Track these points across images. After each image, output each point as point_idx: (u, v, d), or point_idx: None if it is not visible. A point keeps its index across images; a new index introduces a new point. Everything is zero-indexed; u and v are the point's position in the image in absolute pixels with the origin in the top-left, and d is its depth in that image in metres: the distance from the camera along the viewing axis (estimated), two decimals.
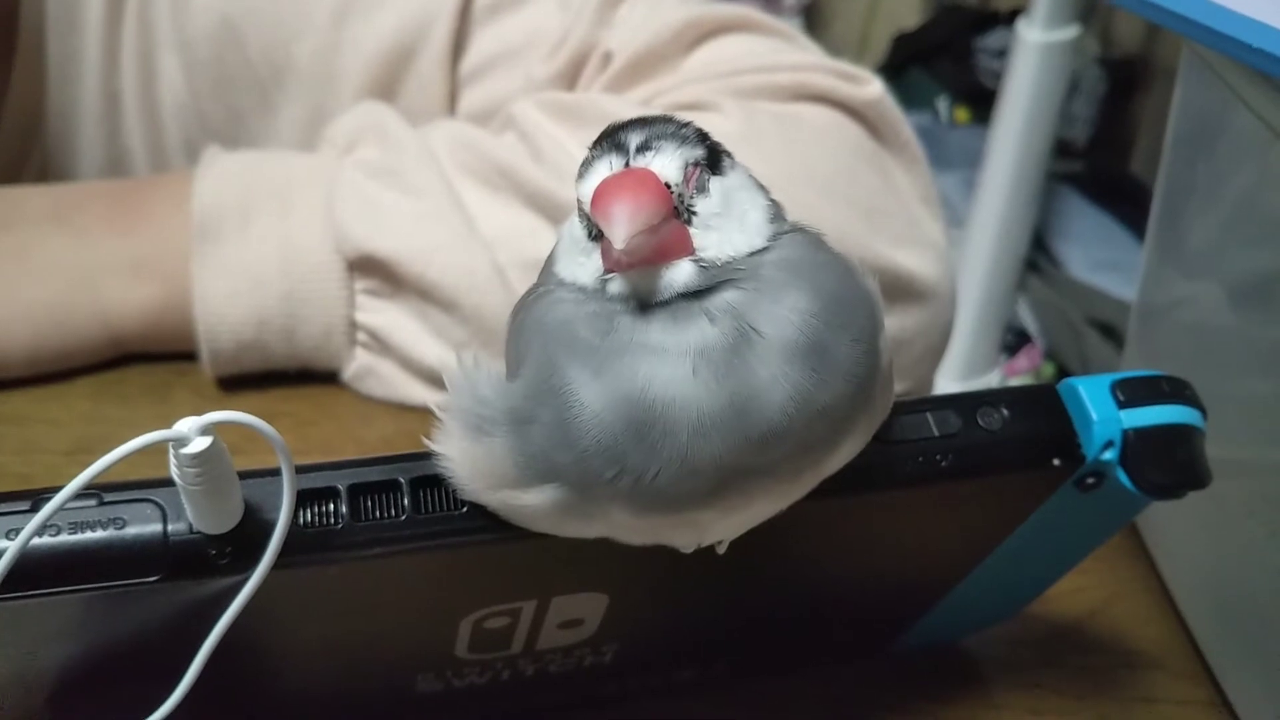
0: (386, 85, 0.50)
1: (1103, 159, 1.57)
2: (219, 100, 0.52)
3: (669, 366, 0.22)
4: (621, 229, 0.22)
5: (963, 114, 1.60)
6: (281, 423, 0.22)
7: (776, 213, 0.26)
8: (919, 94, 1.58)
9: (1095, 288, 1.30)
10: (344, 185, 0.45)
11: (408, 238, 0.44)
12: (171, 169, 0.54)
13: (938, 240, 0.48)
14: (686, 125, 0.25)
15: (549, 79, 0.50)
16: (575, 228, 0.26)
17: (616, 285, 0.23)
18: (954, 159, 1.43)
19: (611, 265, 0.23)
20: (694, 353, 0.22)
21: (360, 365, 0.46)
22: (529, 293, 0.27)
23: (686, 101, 0.47)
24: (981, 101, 1.49)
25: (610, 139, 0.24)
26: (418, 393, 0.46)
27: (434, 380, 0.45)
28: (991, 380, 1.24)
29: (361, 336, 0.46)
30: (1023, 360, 1.32)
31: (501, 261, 0.44)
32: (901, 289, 0.46)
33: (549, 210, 0.44)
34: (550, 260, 0.27)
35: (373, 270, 0.45)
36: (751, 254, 0.25)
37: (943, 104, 1.60)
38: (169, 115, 0.53)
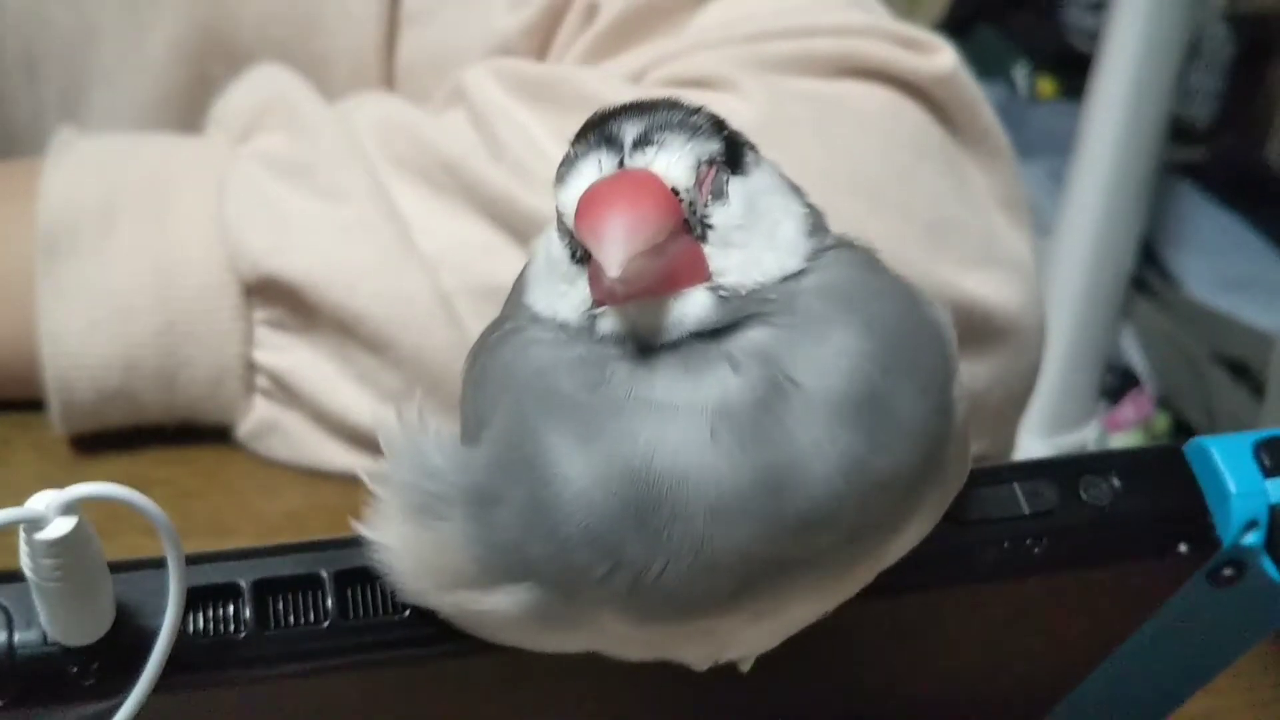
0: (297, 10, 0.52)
1: (1231, 145, 1.58)
2: (70, 4, 0.52)
3: (680, 429, 0.23)
4: (616, 249, 0.22)
5: (1047, 86, 1.62)
6: (156, 493, 0.22)
7: (816, 223, 0.27)
8: (989, 60, 1.60)
9: (1223, 313, 1.30)
10: (239, 184, 0.46)
11: (324, 255, 0.45)
12: (8, 96, 0.55)
13: (1022, 258, 0.49)
14: (698, 112, 0.26)
15: (516, 33, 0.51)
16: (554, 246, 0.26)
17: (609, 322, 0.24)
18: (1035, 145, 1.45)
19: (603, 296, 0.24)
20: (712, 410, 0.23)
21: (261, 419, 0.47)
22: (491, 330, 0.28)
23: (692, 76, 0.47)
24: (1071, 69, 1.51)
25: (599, 131, 0.25)
26: (337, 456, 0.46)
27: (360, 441, 0.46)
28: (1088, 436, 1.25)
29: (262, 382, 0.47)
30: (1129, 410, 1.33)
31: (448, 287, 0.44)
32: (976, 324, 0.47)
33: (510, 220, 0.45)
34: (519, 288, 0.28)
35: (277, 296, 0.45)
36: (785, 279, 0.25)
37: (1020, 73, 1.63)
38: (7, 24, 0.53)
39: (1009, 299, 0.48)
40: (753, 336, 0.24)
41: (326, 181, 0.46)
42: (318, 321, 0.46)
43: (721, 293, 0.24)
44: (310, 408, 0.47)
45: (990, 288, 0.47)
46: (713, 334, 0.24)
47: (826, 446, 0.23)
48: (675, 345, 0.24)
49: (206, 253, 0.45)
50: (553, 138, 0.45)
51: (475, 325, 0.42)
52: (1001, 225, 0.49)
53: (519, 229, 0.44)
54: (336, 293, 0.45)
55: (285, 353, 0.46)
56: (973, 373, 0.47)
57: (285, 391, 0.47)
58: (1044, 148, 1.44)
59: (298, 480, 0.47)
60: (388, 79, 0.54)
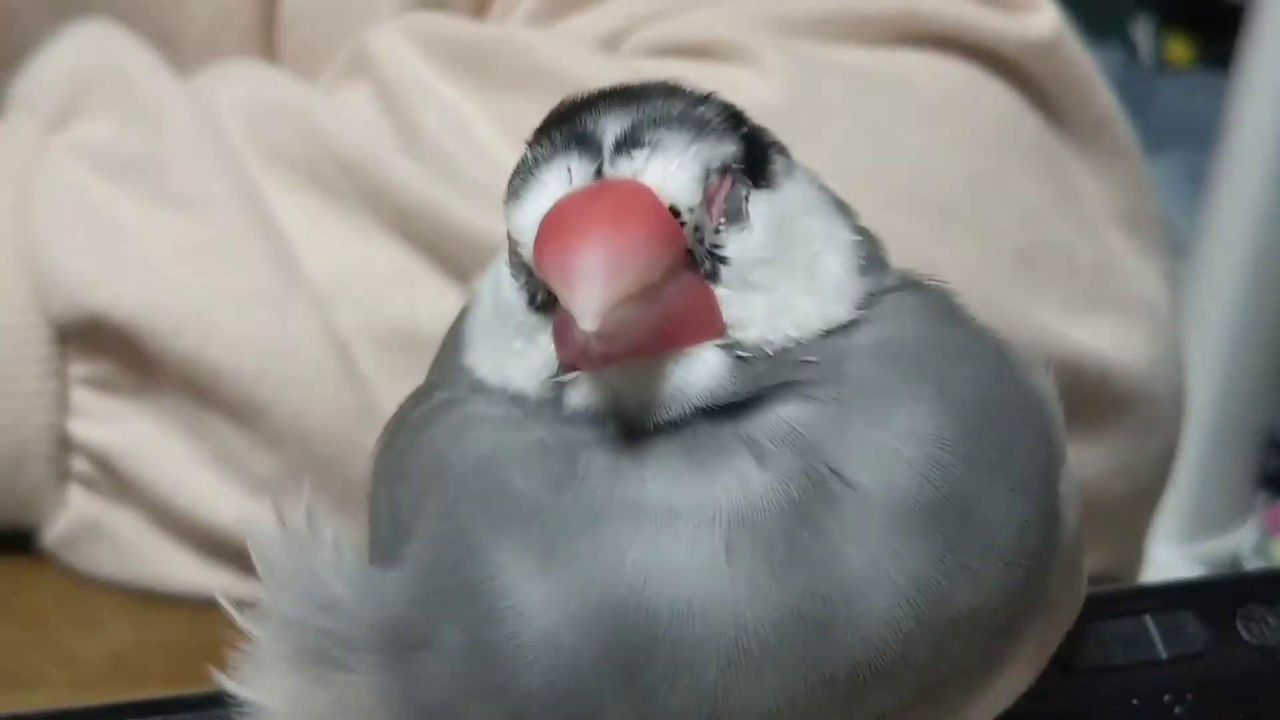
0: None
1: None
2: None
3: (682, 545, 0.23)
4: (592, 293, 0.22)
5: (1179, 49, 1.63)
6: None
7: (872, 255, 0.27)
8: (1100, 16, 1.62)
9: None
10: (51, 187, 0.46)
11: (169, 286, 0.45)
12: None
13: (1151, 297, 0.50)
14: (706, 100, 0.26)
15: None
16: (503, 287, 0.27)
17: (583, 394, 0.24)
18: (1163, 132, 1.45)
19: (574, 358, 0.24)
20: (728, 519, 0.23)
21: (78, 519, 0.47)
22: (414, 401, 0.28)
23: (690, 41, 0.48)
24: (1212, 27, 1.53)
25: (568, 126, 0.26)
26: (187, 572, 0.46)
27: (220, 550, 0.46)
28: (1243, 543, 1.25)
29: (80, 466, 0.46)
30: None
31: (345, 331, 0.45)
32: (1088, 391, 0.47)
33: (433, 240, 0.45)
34: (454, 343, 0.28)
35: (104, 344, 0.45)
36: (829, 333, 0.26)
37: (1142, 32, 1.64)
38: None
39: (1133, 355, 0.48)
40: (784, 415, 0.24)
41: (175, 185, 0.46)
42: (160, 380, 0.46)
43: (740, 353, 0.25)
44: (149, 502, 0.46)
45: (1107, 339, 0.48)
46: (728, 411, 0.25)
47: (888, 569, 0.23)
48: (675, 427, 0.24)
49: (3, 283, 0.45)
50: (494, 127, 0.45)
51: (386, 387, 0.43)
52: (1122, 251, 0.49)
53: (447, 253, 0.45)
54: (187, 339, 0.45)
55: (114, 424, 0.46)
56: (1085, 459, 0.45)
57: (113, 479, 0.46)
58: (1176, 136, 1.44)
59: (130, 607, 0.46)
60: (264, 41, 0.55)
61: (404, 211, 0.45)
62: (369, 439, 0.29)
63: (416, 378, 0.30)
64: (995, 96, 0.48)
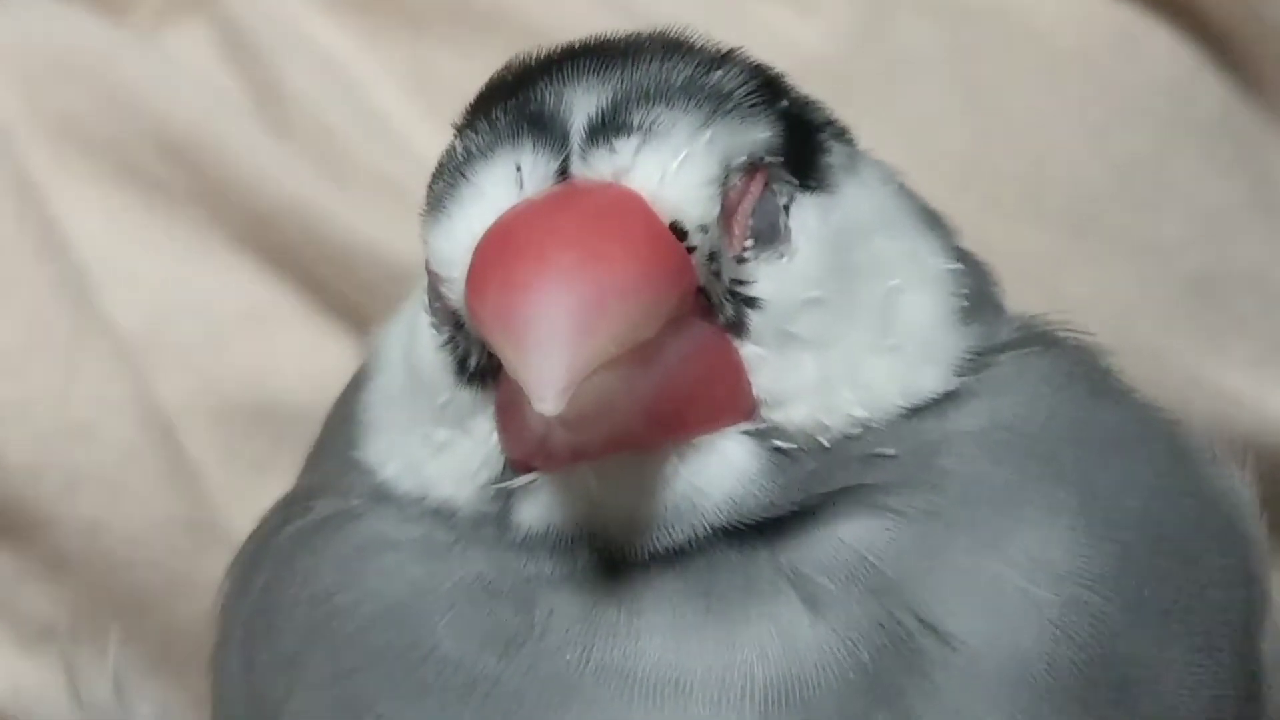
0: None
1: None
2: None
3: None
4: (556, 357, 0.23)
5: None
6: None
7: (979, 290, 0.27)
8: None
9: None
10: None
11: None
12: None
13: None
14: (725, 59, 0.26)
15: None
16: (419, 343, 0.27)
17: (542, 507, 0.25)
18: None
19: (530, 453, 0.25)
20: (763, 696, 0.23)
21: None
22: (283, 512, 0.28)
23: None
24: None
25: (516, 101, 0.26)
26: None
27: None
28: None
29: None
30: None
31: (166, 399, 0.45)
32: None
33: (303, 258, 0.45)
34: (343, 425, 0.28)
35: None
36: (916, 411, 0.26)
37: None
38: None
39: None
40: (848, 537, 0.24)
41: None
42: None
43: (779, 443, 0.25)
44: None
45: None
46: (762, 531, 0.24)
47: None
48: (682, 557, 0.24)
49: None
50: (401, 90, 0.45)
51: (232, 487, 0.43)
52: None
53: (325, 280, 0.45)
54: None
55: None
56: None
57: None
58: None
59: None
60: None
61: (260, 216, 0.45)
62: (208, 567, 0.29)
63: (282, 475, 0.30)
64: (1158, 48, 0.48)
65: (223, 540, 0.28)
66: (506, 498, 0.25)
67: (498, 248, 0.24)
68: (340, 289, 0.44)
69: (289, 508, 0.28)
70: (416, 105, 0.38)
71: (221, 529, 0.42)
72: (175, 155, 0.46)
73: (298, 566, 0.26)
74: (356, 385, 0.28)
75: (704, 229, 0.25)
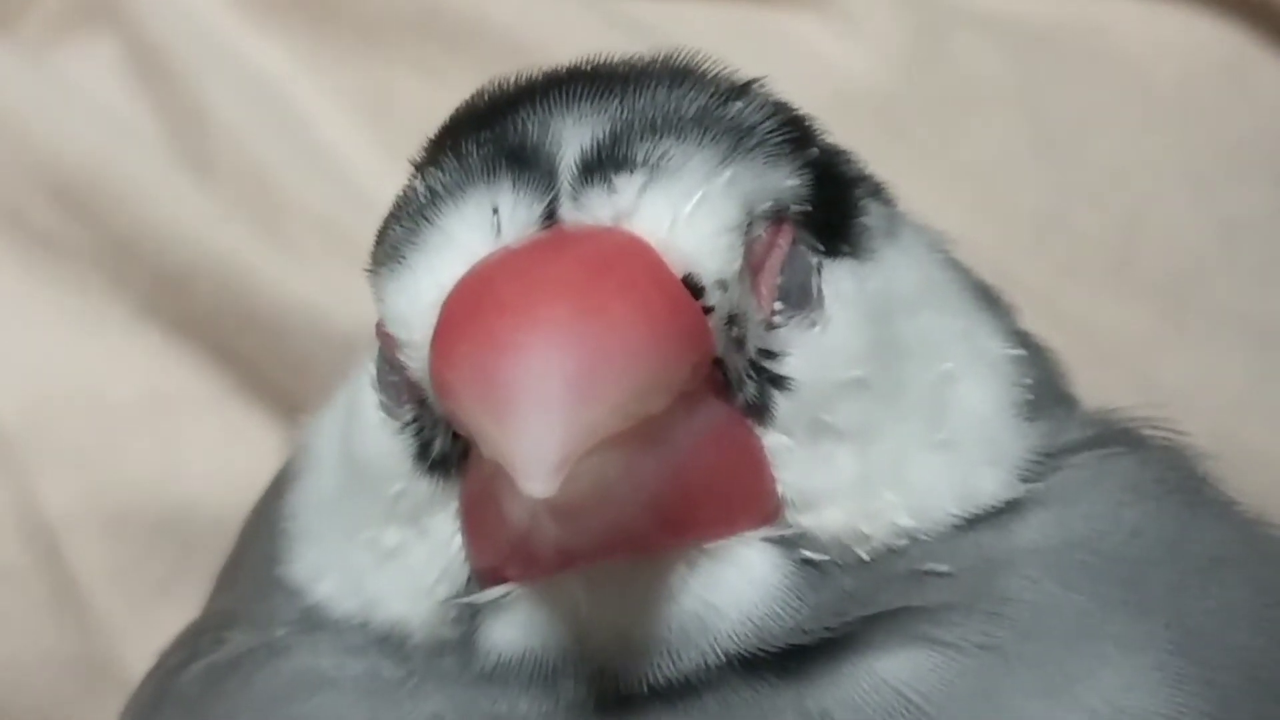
0: None
1: None
2: None
3: None
4: (545, 431, 0.20)
5: None
6: None
7: (1045, 380, 0.25)
8: None
9: None
10: None
11: None
12: None
13: None
14: (744, 90, 0.24)
15: None
16: (365, 426, 0.25)
17: (517, 628, 0.23)
18: None
19: (506, 557, 0.23)
20: None
21: None
22: (190, 645, 0.26)
23: None
24: None
25: (491, 133, 0.24)
26: None
27: None
28: None
29: None
30: None
31: (49, 505, 0.43)
32: None
33: (221, 326, 0.43)
34: (264, 538, 0.26)
35: None
36: (972, 522, 0.23)
37: None
38: None
39: None
40: (889, 673, 0.22)
41: None
42: None
43: (808, 553, 0.22)
44: None
45: None
46: (786, 662, 0.22)
47: None
48: (689, 692, 0.22)
49: None
50: (348, 115, 0.43)
51: (127, 611, 0.41)
52: None
53: (246, 358, 0.42)
54: None
55: None
56: None
57: None
58: None
59: None
60: None
61: (169, 277, 0.43)
62: (97, 715, 0.28)
63: (188, 600, 0.28)
64: (1274, 85, 0.47)
65: (115, 680, 0.26)
66: (471, 617, 0.23)
67: (472, 302, 0.22)
68: (265, 367, 0.42)
69: (197, 640, 0.26)
70: (367, 137, 0.37)
71: (114, 666, 0.40)
72: (67, 202, 0.44)
73: (209, 714, 0.24)
74: (280, 487, 0.26)
75: (723, 285, 0.23)
